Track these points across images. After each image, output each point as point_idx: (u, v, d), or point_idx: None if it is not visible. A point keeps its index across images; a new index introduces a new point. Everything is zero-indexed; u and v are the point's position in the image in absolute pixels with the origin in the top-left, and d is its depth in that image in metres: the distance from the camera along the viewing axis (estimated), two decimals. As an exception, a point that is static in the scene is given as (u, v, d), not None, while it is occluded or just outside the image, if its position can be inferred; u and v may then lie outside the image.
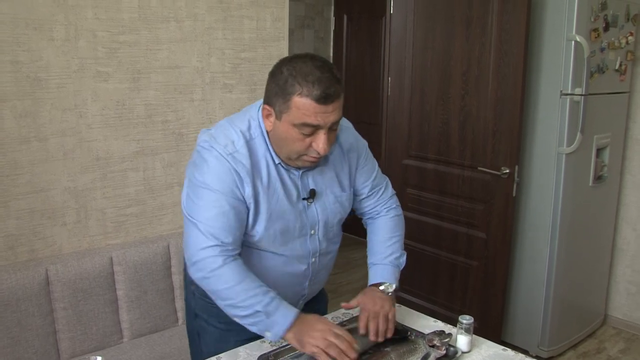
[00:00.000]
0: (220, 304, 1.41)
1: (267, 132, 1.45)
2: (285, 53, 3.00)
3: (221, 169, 1.40)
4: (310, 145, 1.39)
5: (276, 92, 1.36)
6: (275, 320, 1.36)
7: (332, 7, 5.12)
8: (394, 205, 1.71)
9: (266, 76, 2.92)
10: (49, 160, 2.29)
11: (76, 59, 2.29)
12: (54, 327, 2.21)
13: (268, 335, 1.38)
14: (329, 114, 1.35)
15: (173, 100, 2.60)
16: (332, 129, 1.41)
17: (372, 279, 1.62)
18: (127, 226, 2.56)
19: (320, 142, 1.37)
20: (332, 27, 5.13)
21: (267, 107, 1.41)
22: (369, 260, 1.66)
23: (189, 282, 1.70)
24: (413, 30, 3.29)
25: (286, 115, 1.36)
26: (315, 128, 1.36)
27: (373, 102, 4.76)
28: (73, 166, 2.35)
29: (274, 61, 2.91)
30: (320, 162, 1.52)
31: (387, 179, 1.74)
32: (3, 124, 2.15)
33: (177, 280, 2.54)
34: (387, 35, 3.48)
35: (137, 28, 2.43)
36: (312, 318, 1.42)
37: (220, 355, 1.51)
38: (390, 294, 1.57)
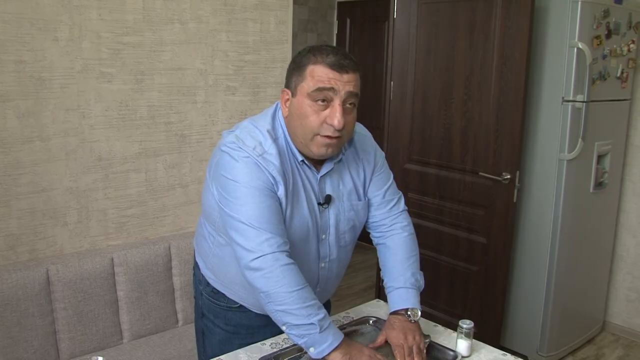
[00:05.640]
0: (271, 307, 1.36)
1: (285, 124, 1.46)
2: (288, 56, 3.01)
3: (254, 168, 1.39)
4: (324, 121, 1.38)
5: (293, 69, 1.42)
6: (326, 337, 1.33)
7: (335, 11, 5.13)
8: (406, 222, 1.66)
9: (269, 79, 2.97)
10: (51, 160, 2.29)
11: (80, 60, 2.30)
12: (54, 327, 2.21)
13: (312, 351, 1.34)
14: (343, 82, 1.36)
15: (176, 101, 2.61)
16: (348, 106, 1.39)
17: (396, 304, 1.55)
18: (129, 227, 2.56)
19: (334, 114, 1.36)
20: (335, 31, 5.14)
21: (285, 90, 1.44)
22: (389, 284, 1.59)
23: (197, 282, 1.71)
24: (416, 35, 3.29)
25: (301, 87, 1.38)
26: (330, 95, 1.36)
27: (375, 106, 4.76)
28: (75, 166, 2.36)
29: (277, 64, 2.98)
30: (337, 166, 1.52)
31: (401, 194, 1.70)
32: (6, 124, 2.15)
33: (178, 281, 2.54)
34: (390, 39, 3.49)
35: (141, 29, 2.44)
36: (359, 344, 1.42)
37: (222, 357, 1.51)
38: (416, 321, 1.53)
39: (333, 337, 1.34)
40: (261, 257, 1.34)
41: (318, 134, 1.39)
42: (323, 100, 1.37)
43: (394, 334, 1.49)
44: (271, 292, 1.34)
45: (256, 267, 1.35)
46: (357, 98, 1.41)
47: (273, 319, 1.38)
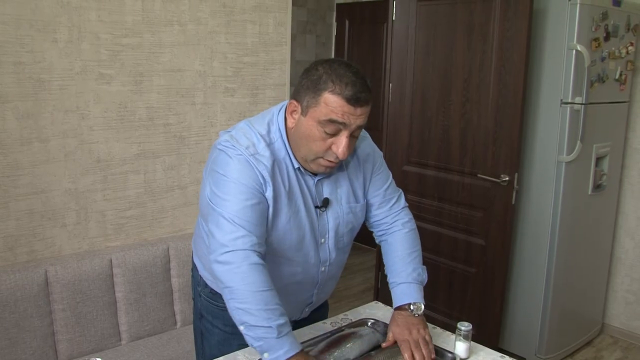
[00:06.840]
0: (232, 304, 1.33)
1: (287, 132, 1.45)
2: (287, 58, 3.01)
3: (245, 166, 1.39)
4: (329, 148, 1.39)
5: (307, 87, 1.37)
6: (282, 344, 1.29)
7: (334, 13, 5.14)
8: (407, 219, 1.67)
9: (268, 81, 2.97)
10: (50, 161, 2.29)
11: (79, 61, 2.30)
12: (52, 328, 2.21)
13: (266, 356, 1.30)
14: (356, 116, 1.37)
15: (175, 103, 2.61)
16: (354, 136, 1.41)
17: (399, 299, 1.56)
18: (127, 228, 2.56)
19: (340, 145, 1.38)
20: (334, 33, 5.15)
21: (294, 102, 1.41)
22: (392, 280, 1.60)
23: (196, 283, 1.71)
24: (415, 36, 3.30)
25: (313, 111, 1.36)
26: (339, 128, 1.36)
27: (373, 108, 4.72)
28: (74, 168, 2.36)
29: (276, 66, 2.98)
30: (335, 170, 1.52)
31: (401, 191, 1.71)
32: (5, 125, 2.15)
33: (176, 283, 2.54)
34: (388, 41, 3.49)
35: (140, 31, 2.44)
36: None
37: (220, 358, 1.51)
38: (420, 315, 1.54)
39: (290, 346, 1.30)
40: (232, 252, 1.33)
41: (321, 157, 1.41)
42: (332, 130, 1.37)
43: (398, 330, 1.50)
44: (235, 288, 1.32)
45: (225, 260, 1.33)
46: (364, 125, 1.42)
47: (232, 317, 1.35)
